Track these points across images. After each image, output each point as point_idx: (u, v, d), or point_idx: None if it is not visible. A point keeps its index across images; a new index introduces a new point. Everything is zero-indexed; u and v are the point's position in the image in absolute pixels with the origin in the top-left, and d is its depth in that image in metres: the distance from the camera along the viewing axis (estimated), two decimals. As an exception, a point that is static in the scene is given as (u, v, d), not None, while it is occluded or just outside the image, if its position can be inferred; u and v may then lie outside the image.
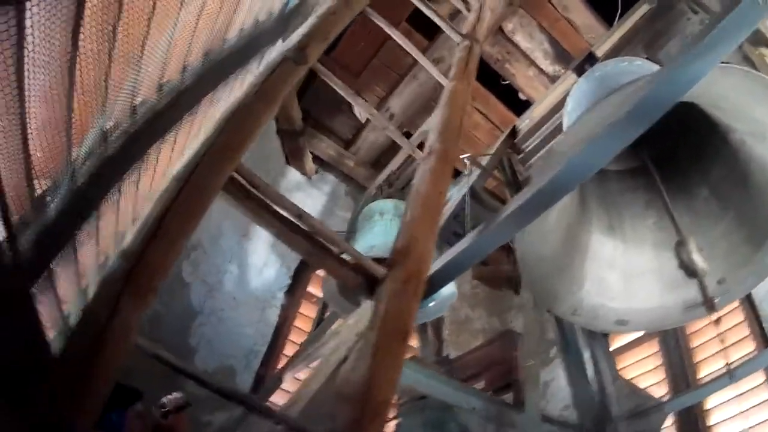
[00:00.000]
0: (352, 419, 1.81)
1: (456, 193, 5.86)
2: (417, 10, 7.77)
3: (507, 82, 8.87)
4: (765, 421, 5.39)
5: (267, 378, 7.29)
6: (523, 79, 8.74)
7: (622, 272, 4.42)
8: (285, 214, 2.16)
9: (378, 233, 6.71)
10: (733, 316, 5.97)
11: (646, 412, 5.14)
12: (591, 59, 6.40)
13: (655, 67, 4.60)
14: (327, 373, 3.44)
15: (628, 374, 6.84)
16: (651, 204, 4.45)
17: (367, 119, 9.31)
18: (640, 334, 6.84)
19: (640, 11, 6.19)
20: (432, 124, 3.10)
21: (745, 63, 4.46)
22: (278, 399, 6.83)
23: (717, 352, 6.19)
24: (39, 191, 2.26)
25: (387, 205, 6.97)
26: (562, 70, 8.12)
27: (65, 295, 3.08)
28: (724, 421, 5.77)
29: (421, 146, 6.52)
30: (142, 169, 3.59)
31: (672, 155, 4.24)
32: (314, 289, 8.44)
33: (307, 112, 9.04)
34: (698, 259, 3.36)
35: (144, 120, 3.18)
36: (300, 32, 2.62)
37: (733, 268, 4.07)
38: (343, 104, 9.57)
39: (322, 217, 9.22)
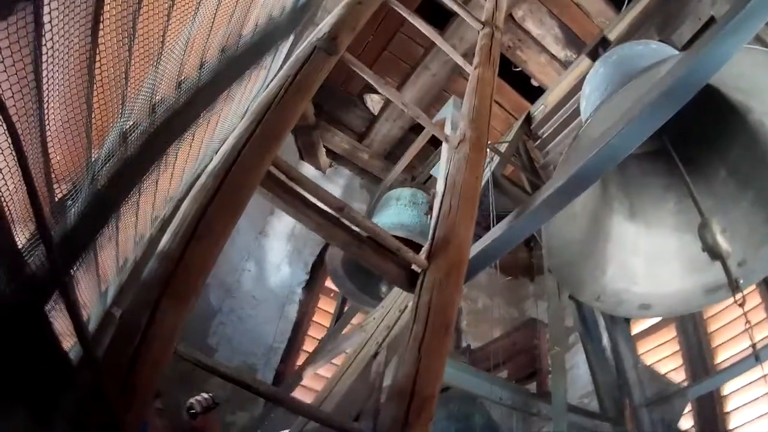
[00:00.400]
0: (398, 415, 1.77)
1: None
2: (425, 2, 7.78)
3: (519, 68, 8.82)
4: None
5: (287, 375, 7.27)
6: (534, 65, 8.70)
7: (645, 257, 4.40)
8: (325, 207, 2.13)
9: (390, 214, 6.72)
10: (750, 298, 5.92)
11: (668, 397, 5.09)
12: (604, 43, 6.35)
13: (671, 50, 4.56)
14: (358, 369, 3.44)
15: (646, 360, 6.81)
16: (670, 187, 4.42)
17: (380, 111, 9.28)
18: (658, 319, 6.82)
19: (651, -7, 6.13)
20: (463, 112, 3.05)
21: (757, 43, 4.42)
22: (299, 396, 6.81)
23: (735, 336, 6.16)
24: (59, 196, 2.22)
25: (404, 192, 6.99)
26: (574, 56, 8.09)
27: (85, 300, 3.06)
28: (741, 406, 5.77)
29: (432, 140, 6.53)
30: (161, 168, 3.56)
31: (689, 137, 4.21)
32: (332, 283, 8.43)
33: (320, 107, 9.01)
34: (722, 241, 3.32)
35: (163, 119, 3.15)
36: (329, 22, 2.58)
37: (754, 249, 4.05)
38: (355, 97, 9.55)
39: (341, 204, 9.18)
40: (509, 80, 9.12)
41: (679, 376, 6.47)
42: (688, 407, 5.31)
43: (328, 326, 7.97)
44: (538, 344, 6.34)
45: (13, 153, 1.50)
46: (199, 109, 3.72)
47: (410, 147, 8.08)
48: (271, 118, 1.95)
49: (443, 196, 2.58)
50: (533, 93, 8.67)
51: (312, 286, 8.37)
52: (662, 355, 6.97)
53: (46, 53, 1.73)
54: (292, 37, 5.89)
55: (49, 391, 2.40)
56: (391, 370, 3.19)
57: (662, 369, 6.68)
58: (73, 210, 2.40)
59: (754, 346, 3.32)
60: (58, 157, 2.09)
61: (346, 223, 2.18)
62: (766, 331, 5.86)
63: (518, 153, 6.90)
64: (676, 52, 4.49)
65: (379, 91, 3.10)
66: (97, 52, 2.03)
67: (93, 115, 2.24)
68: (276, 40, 5.21)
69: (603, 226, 4.37)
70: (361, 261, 2.28)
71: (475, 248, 3.17)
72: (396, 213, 6.72)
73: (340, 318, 7.56)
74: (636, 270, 4.39)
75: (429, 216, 6.44)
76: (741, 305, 3.14)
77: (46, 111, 1.86)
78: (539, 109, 7.13)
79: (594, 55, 6.34)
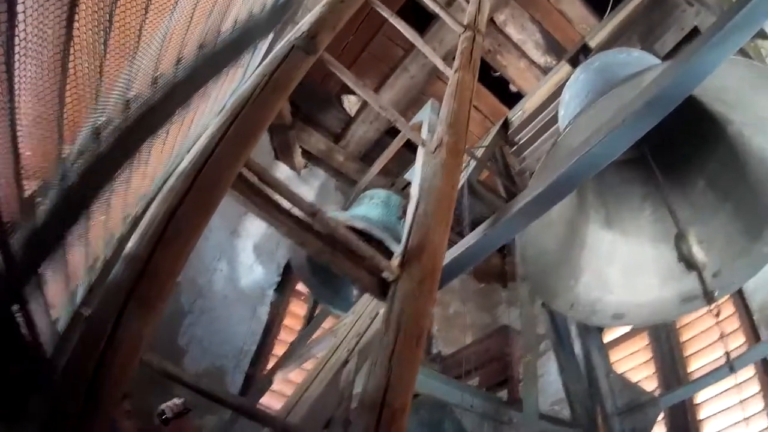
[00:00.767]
0: (368, 428, 1.72)
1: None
2: (406, 4, 7.74)
3: (498, 73, 8.82)
4: (755, 414, 5.39)
5: (257, 378, 7.19)
6: (514, 70, 8.69)
7: (620, 266, 4.40)
8: (297, 212, 2.07)
9: (358, 210, 6.68)
10: (723, 308, 5.94)
11: (641, 406, 5.10)
12: (585, 50, 6.37)
13: (653, 59, 4.56)
14: (328, 376, 3.38)
15: (618, 368, 6.82)
16: (648, 196, 4.43)
17: (357, 112, 9.24)
18: (631, 327, 6.83)
19: (634, 2, 6.15)
20: (442, 116, 3.00)
21: (739, 54, 4.44)
22: (268, 400, 6.75)
23: (708, 345, 6.18)
24: (28, 193, 2.16)
25: (380, 193, 6.94)
26: (554, 62, 8.09)
27: (54, 300, 3.00)
28: (714, 414, 5.77)
29: (407, 144, 6.50)
30: (134, 166, 3.50)
31: (669, 146, 4.21)
32: (303, 286, 8.37)
33: (296, 106, 8.95)
34: (698, 252, 3.32)
35: (137, 115, 3.09)
36: (309, 20, 2.52)
37: (729, 260, 4.07)
38: (332, 98, 9.50)
39: (313, 208, 9.14)
40: (488, 84, 9.11)
41: (651, 385, 6.48)
42: (661, 416, 5.31)
43: (298, 330, 7.89)
44: (510, 352, 6.33)
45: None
46: (174, 106, 3.66)
47: (386, 150, 8.06)
48: (245, 118, 1.89)
49: (417, 202, 2.53)
50: (511, 98, 8.68)
51: (283, 288, 8.28)
52: (635, 364, 6.99)
53: (19, 44, 1.67)
54: (271, 35, 5.84)
55: (17, 392, 2.36)
56: (362, 378, 3.14)
57: (635, 377, 6.68)
58: (42, 208, 2.35)
59: (728, 355, 3.33)
60: (28, 153, 2.04)
61: (319, 228, 2.13)
62: (738, 341, 5.90)
63: (494, 158, 6.90)
64: (659, 62, 4.49)
65: (357, 92, 3.05)
66: (72, 44, 1.97)
67: (65, 110, 2.18)
68: (255, 38, 5.16)
69: (579, 234, 4.36)
70: (332, 267, 2.23)
71: (449, 255, 3.12)
72: (364, 210, 6.69)
73: (311, 321, 7.49)
74: (611, 279, 4.38)
75: (402, 219, 6.42)
76: (716, 315, 3.14)
77: (17, 105, 1.81)
78: (517, 114, 7.15)
79: (574, 62, 6.36)
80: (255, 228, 8.26)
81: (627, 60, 4.47)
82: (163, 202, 1.62)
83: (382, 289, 2.21)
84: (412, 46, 8.07)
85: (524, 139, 6.84)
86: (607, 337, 6.97)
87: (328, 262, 2.20)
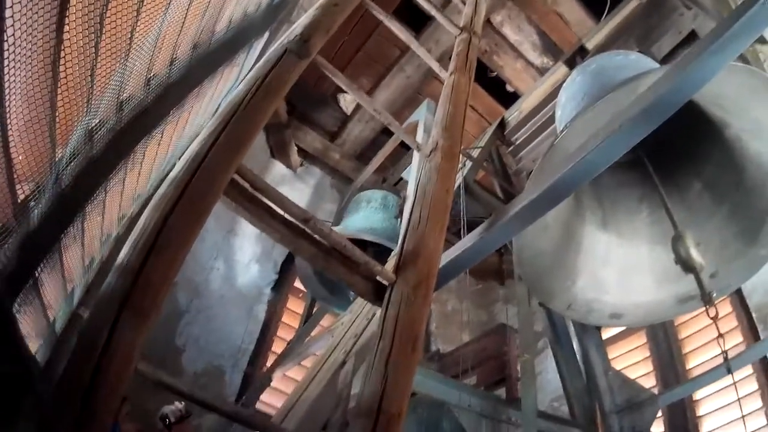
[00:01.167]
0: (364, 433, 1.71)
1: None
2: (403, 3, 7.72)
3: (494, 73, 8.80)
4: (753, 411, 5.41)
5: (256, 377, 7.19)
6: (510, 71, 8.68)
7: (617, 267, 4.39)
8: (290, 218, 2.05)
9: (360, 218, 6.69)
10: (721, 307, 5.94)
11: (639, 404, 5.08)
12: (582, 52, 6.35)
13: (650, 62, 4.55)
14: (325, 378, 3.37)
15: (616, 365, 6.79)
16: (644, 198, 4.42)
17: (353, 111, 9.23)
18: (628, 325, 6.83)
19: (632, 5, 6.14)
20: (437, 119, 2.99)
21: (738, 59, 4.44)
22: (268, 397, 6.75)
23: (706, 343, 6.18)
24: (22, 197, 2.15)
25: (376, 194, 6.95)
26: (551, 63, 8.08)
27: (51, 301, 2.99)
28: (713, 411, 5.78)
29: (404, 143, 6.48)
30: (129, 167, 3.49)
31: (666, 149, 4.20)
32: (300, 284, 8.35)
33: (292, 105, 8.95)
34: (696, 255, 3.31)
35: (131, 116, 3.07)
36: (302, 23, 2.50)
37: (726, 262, 4.07)
38: (328, 96, 9.48)
39: (309, 210, 9.13)
40: (484, 84, 9.09)
41: (650, 382, 6.48)
42: (659, 412, 5.31)
43: (296, 327, 7.88)
44: (507, 350, 6.31)
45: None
46: (168, 106, 3.64)
47: (382, 148, 8.06)
48: (236, 124, 1.87)
49: (413, 206, 2.51)
50: (508, 98, 8.67)
51: (281, 286, 8.28)
52: (633, 361, 6.99)
53: (8, 49, 1.66)
54: (266, 35, 5.82)
55: (12, 396, 2.34)
56: (359, 379, 3.13)
57: (633, 374, 6.66)
58: (36, 211, 2.33)
59: (725, 358, 3.30)
60: (20, 157, 2.02)
61: (312, 234, 2.11)
62: (736, 340, 5.92)
63: (491, 158, 6.88)
64: (656, 65, 4.48)
65: (351, 95, 3.04)
66: (62, 48, 1.95)
67: (57, 114, 2.17)
68: (250, 38, 5.14)
69: (575, 235, 4.35)
70: (327, 273, 2.21)
71: (445, 258, 3.12)
72: (366, 216, 6.69)
73: (308, 319, 7.48)
74: (608, 280, 4.37)
75: (399, 219, 6.42)
76: (713, 318, 3.13)
77: (8, 109, 1.79)
78: (513, 115, 7.13)
79: (571, 63, 6.35)
80: (251, 227, 8.22)
81: (624, 63, 4.46)
82: (154, 210, 1.60)
83: (378, 294, 2.20)
84: (408, 46, 8.04)
85: (521, 140, 6.82)
86: (605, 334, 6.96)
87: (323, 268, 2.19)
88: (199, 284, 7.31)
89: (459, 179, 5.60)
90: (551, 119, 5.89)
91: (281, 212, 2.04)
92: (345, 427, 3.14)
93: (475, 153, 6.32)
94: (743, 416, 5.42)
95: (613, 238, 4.41)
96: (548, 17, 8.10)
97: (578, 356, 5.59)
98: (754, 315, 5.92)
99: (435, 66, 3.63)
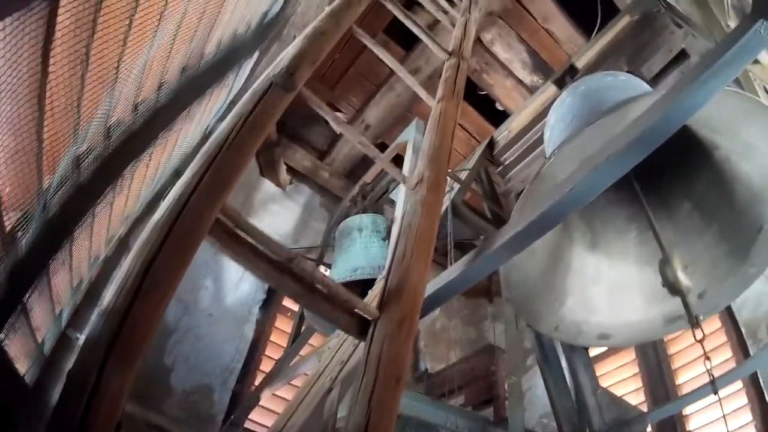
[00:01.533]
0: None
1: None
2: (394, 20, 7.74)
3: (484, 92, 8.82)
4: (743, 426, 5.44)
5: (244, 395, 7.16)
6: (500, 89, 8.70)
7: (606, 287, 4.38)
8: (275, 257, 2.04)
9: (359, 252, 6.67)
10: (710, 322, 5.97)
11: (628, 422, 5.09)
12: (572, 71, 6.36)
13: (640, 83, 4.56)
14: (312, 404, 3.36)
15: (605, 382, 6.82)
16: (633, 218, 4.42)
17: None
18: (615, 344, 6.84)
19: (622, 23, 6.15)
20: (423, 148, 2.98)
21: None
22: (257, 416, 6.74)
23: (695, 359, 6.19)
24: (9, 226, 2.15)
25: (365, 220, 6.93)
26: (541, 81, 8.10)
27: (39, 324, 2.99)
28: (703, 426, 5.79)
29: (395, 160, 6.51)
30: (117, 190, 3.49)
31: (655, 169, 4.20)
32: (289, 302, 8.32)
33: (282, 123, 8.94)
34: (683, 278, 3.32)
35: (119, 141, 3.07)
36: (288, 55, 2.49)
37: (715, 281, 4.06)
38: (318, 115, 9.48)
39: (297, 229, 9.16)
40: (474, 102, 9.11)
41: (639, 397, 6.50)
42: (649, 428, 5.32)
43: (285, 346, 7.86)
44: (495, 370, 6.32)
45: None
46: (157, 130, 3.64)
47: (371, 167, 8.06)
48: (221, 163, 1.86)
49: (398, 239, 2.51)
50: (498, 117, 8.68)
51: (269, 305, 8.24)
52: (622, 377, 7.00)
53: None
54: (257, 54, 5.83)
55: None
56: (345, 406, 3.12)
57: (622, 390, 6.69)
58: (23, 240, 2.33)
59: (712, 380, 3.31)
60: (7, 189, 2.03)
61: (296, 272, 2.10)
62: (726, 355, 5.94)
63: (480, 179, 6.88)
64: (646, 86, 4.50)
65: (334, 128, 3.04)
66: (48, 80, 1.96)
67: (44, 145, 2.17)
68: (240, 58, 5.14)
69: (563, 257, 4.34)
70: (310, 310, 2.21)
71: (430, 288, 3.11)
72: (365, 249, 6.67)
73: (297, 338, 7.47)
74: (596, 300, 4.37)
75: (386, 241, 6.42)
76: (700, 341, 3.14)
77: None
78: (503, 134, 7.12)
79: (561, 83, 6.36)
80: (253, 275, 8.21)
81: (613, 84, 4.47)
82: (138, 255, 1.60)
83: (362, 329, 2.19)
84: (399, 63, 8.05)
85: (510, 160, 6.79)
86: (595, 350, 6.97)
87: (306, 305, 2.18)
88: (188, 303, 7.29)
89: (447, 202, 5.60)
90: (540, 139, 5.90)
91: (265, 250, 2.03)
92: None
93: (463, 175, 6.31)
94: (734, 430, 5.44)
95: (602, 259, 4.41)
96: (538, 35, 8.13)
97: (567, 375, 5.59)
98: (743, 330, 5.94)
99: (422, 94, 3.62)
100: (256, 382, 7.32)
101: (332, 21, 2.93)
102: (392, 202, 7.10)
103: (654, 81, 5.53)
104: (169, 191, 1.82)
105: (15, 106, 1.87)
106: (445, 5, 4.78)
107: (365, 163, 9.12)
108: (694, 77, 2.42)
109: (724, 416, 5.47)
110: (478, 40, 8.06)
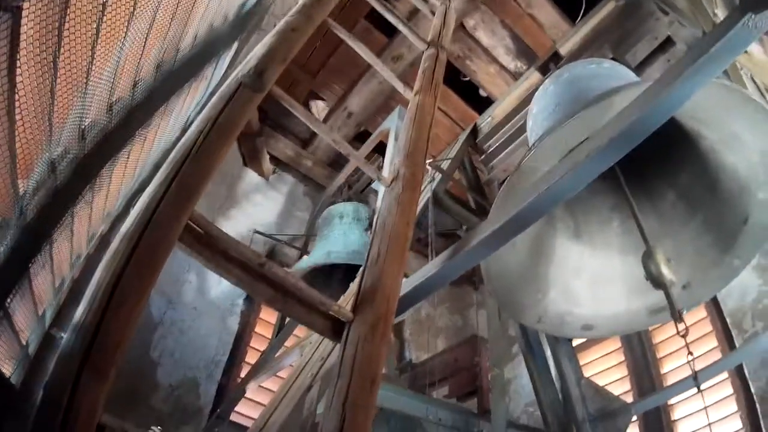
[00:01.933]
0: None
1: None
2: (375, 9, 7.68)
3: (467, 78, 8.77)
4: (728, 415, 5.47)
5: (230, 388, 7.15)
6: (484, 75, 8.63)
7: (589, 278, 4.37)
8: (246, 262, 2.01)
9: (337, 238, 6.68)
10: (696, 312, 5.97)
11: (612, 413, 5.09)
12: (555, 58, 6.32)
13: (625, 70, 4.53)
14: (293, 401, 3.33)
15: (591, 370, 6.83)
16: (617, 208, 4.41)
17: (325, 118, 9.18)
18: (599, 334, 6.84)
19: (607, 8, 6.10)
20: (399, 144, 2.94)
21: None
22: (243, 409, 6.72)
23: (680, 348, 6.17)
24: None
25: (347, 208, 6.93)
26: (525, 67, 8.05)
27: (23, 326, 2.98)
28: (688, 416, 5.83)
29: (378, 147, 6.46)
30: (95, 190, 3.44)
31: (639, 159, 4.18)
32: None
33: (264, 112, 8.88)
34: (666, 271, 3.29)
35: (94, 142, 3.02)
36: (257, 54, 2.44)
37: (699, 272, 4.06)
38: (300, 103, 9.43)
39: (281, 219, 9.12)
40: (457, 89, 9.06)
41: (624, 388, 6.51)
42: (634, 418, 5.33)
43: (270, 337, 7.83)
44: (479, 361, 6.29)
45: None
46: (133, 127, 3.59)
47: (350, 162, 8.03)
48: (189, 169, 1.83)
49: (372, 240, 2.48)
50: (481, 103, 8.64)
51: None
52: (607, 365, 7.00)
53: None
54: (236, 45, 5.76)
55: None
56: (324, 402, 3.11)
57: (607, 379, 6.70)
58: (2, 247, 2.30)
59: (695, 377, 3.29)
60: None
61: (269, 277, 2.07)
62: (711, 344, 5.98)
63: (463, 167, 6.84)
64: (630, 73, 4.47)
65: (311, 128, 3.00)
66: (16, 92, 1.91)
67: (17, 153, 2.13)
68: (218, 50, 5.08)
69: (546, 247, 4.32)
70: (284, 313, 2.20)
71: (408, 285, 3.10)
72: (343, 235, 6.67)
73: (281, 329, 7.44)
74: (579, 292, 4.36)
75: (368, 231, 6.41)
76: (684, 336, 3.12)
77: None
78: (486, 121, 7.08)
79: (544, 69, 6.33)
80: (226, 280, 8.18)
81: (597, 72, 4.44)
82: (107, 268, 1.57)
83: (336, 331, 2.17)
84: (380, 52, 7.99)
85: (493, 147, 6.74)
86: (579, 339, 6.96)
87: (281, 309, 2.16)
88: (172, 297, 7.25)
89: (428, 192, 5.57)
90: (524, 127, 5.87)
91: (236, 255, 2.00)
92: None
93: (446, 164, 6.26)
94: (709, 424, 5.49)
95: (585, 249, 4.39)
96: (522, 20, 8.06)
97: (551, 365, 5.58)
98: (728, 320, 5.96)
99: (399, 86, 3.58)
100: (242, 374, 7.32)
101: (303, 16, 2.87)
102: (377, 193, 7.08)
103: (639, 68, 5.50)
104: (145, 190, 1.80)
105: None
106: (425, -7, 4.72)
107: (347, 151, 9.08)
108: (679, 71, 2.40)
109: (705, 408, 5.53)
110: (461, 26, 7.99)
